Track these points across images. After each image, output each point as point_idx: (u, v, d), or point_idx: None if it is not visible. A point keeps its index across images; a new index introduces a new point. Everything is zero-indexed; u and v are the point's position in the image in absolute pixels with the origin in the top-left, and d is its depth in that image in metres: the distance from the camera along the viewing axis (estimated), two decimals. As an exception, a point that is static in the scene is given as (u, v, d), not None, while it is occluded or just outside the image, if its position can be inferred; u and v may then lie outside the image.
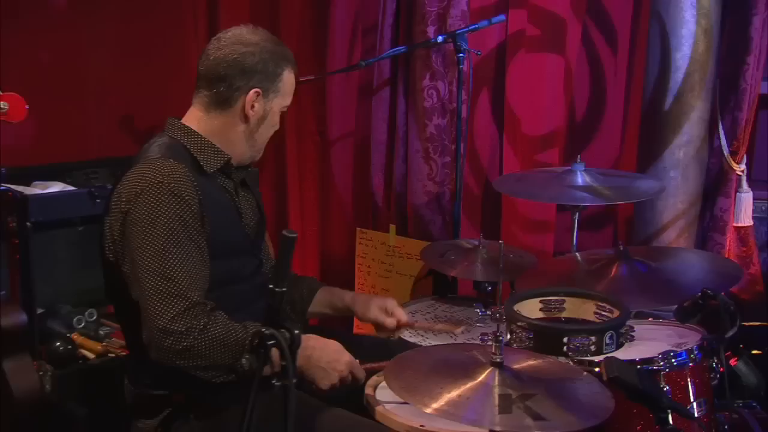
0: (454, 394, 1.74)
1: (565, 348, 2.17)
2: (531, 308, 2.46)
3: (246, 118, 2.35)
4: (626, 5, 3.91)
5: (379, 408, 2.06)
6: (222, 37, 2.36)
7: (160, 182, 2.18)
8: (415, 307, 3.01)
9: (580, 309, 2.49)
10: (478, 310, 2.80)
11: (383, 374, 2.10)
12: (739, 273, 2.70)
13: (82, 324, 3.33)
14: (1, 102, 2.75)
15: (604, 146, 4.00)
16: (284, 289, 1.72)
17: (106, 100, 4.11)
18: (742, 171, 3.52)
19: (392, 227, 3.83)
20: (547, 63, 3.83)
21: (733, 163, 3.52)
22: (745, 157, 3.57)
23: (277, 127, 2.48)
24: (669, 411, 1.75)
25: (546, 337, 2.23)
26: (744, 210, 3.56)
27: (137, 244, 2.16)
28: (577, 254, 2.91)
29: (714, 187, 3.73)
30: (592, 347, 2.18)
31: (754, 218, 3.61)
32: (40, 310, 3.23)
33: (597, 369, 2.05)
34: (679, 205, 3.62)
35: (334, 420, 2.12)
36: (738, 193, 3.56)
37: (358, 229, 3.97)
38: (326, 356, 2.05)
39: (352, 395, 2.07)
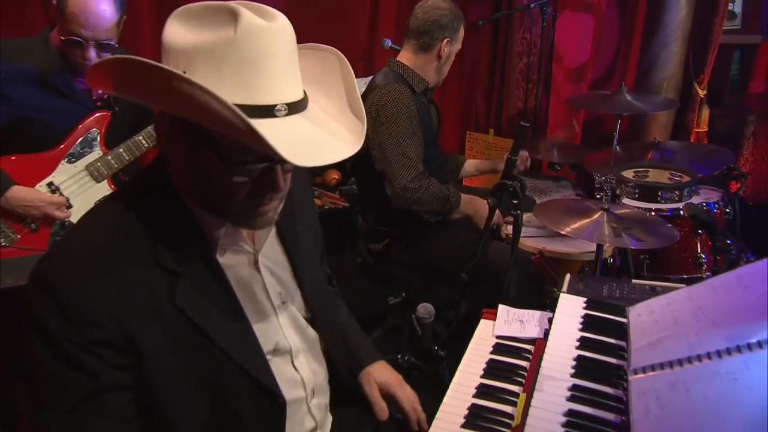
0: (578, 224, 2.42)
1: (658, 198, 2.89)
2: (628, 174, 3.20)
3: (439, 58, 2.95)
4: None
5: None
6: (424, 4, 2.92)
7: (396, 98, 2.80)
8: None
9: (659, 176, 3.21)
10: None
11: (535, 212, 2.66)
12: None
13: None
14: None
15: (618, 75, 4.88)
16: (515, 157, 2.26)
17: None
18: (704, 95, 4.55)
19: (491, 130, 4.42)
20: (583, 19, 4.67)
21: (698, 88, 4.55)
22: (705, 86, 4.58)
23: (451, 63, 3.07)
24: (722, 235, 2.59)
25: (647, 190, 2.94)
26: (703, 119, 4.62)
27: (384, 135, 2.77)
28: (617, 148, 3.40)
29: (684, 105, 4.68)
30: (675, 197, 2.88)
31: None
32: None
33: (681, 211, 2.84)
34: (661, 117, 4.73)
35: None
36: (700, 108, 4.58)
37: (468, 132, 4.52)
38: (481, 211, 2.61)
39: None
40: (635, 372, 1.34)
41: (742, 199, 4.33)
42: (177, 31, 1.14)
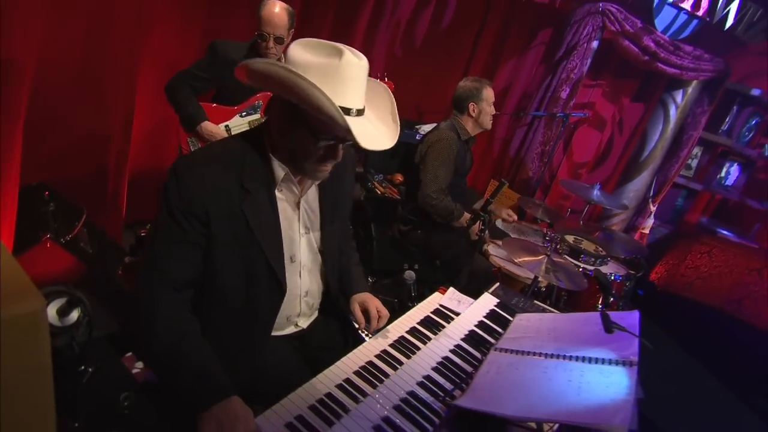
0: (528, 259, 2.48)
1: (580, 258, 2.84)
2: (569, 238, 3.05)
3: (471, 116, 2.84)
4: (637, 113, 4.63)
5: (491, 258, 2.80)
6: (461, 83, 2.87)
7: (445, 139, 2.76)
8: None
9: (589, 246, 3.01)
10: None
11: (503, 243, 2.68)
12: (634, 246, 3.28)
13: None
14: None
15: (607, 173, 4.78)
16: (492, 199, 2.21)
17: (417, 94, 4.08)
18: (654, 208, 4.40)
19: (507, 183, 4.37)
20: (593, 134, 4.62)
21: (651, 205, 4.39)
22: (656, 205, 4.43)
23: (491, 115, 2.87)
24: (610, 296, 2.46)
25: (575, 252, 2.87)
26: (648, 226, 4.43)
27: (430, 159, 2.75)
28: (582, 220, 3.42)
29: (638, 212, 4.63)
30: (591, 262, 2.83)
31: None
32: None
33: (590, 272, 2.77)
34: (623, 215, 4.64)
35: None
36: (648, 218, 4.43)
37: (492, 180, 4.53)
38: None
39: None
40: (495, 349, 1.36)
41: (649, 283, 4.20)
42: (299, 52, 1.20)
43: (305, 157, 1.27)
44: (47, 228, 2.04)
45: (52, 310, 1.05)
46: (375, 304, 1.55)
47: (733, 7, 3.83)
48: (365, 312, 1.54)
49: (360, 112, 1.23)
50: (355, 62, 1.18)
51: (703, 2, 3.80)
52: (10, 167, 1.98)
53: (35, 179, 2.28)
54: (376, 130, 1.30)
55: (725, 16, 3.87)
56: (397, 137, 1.32)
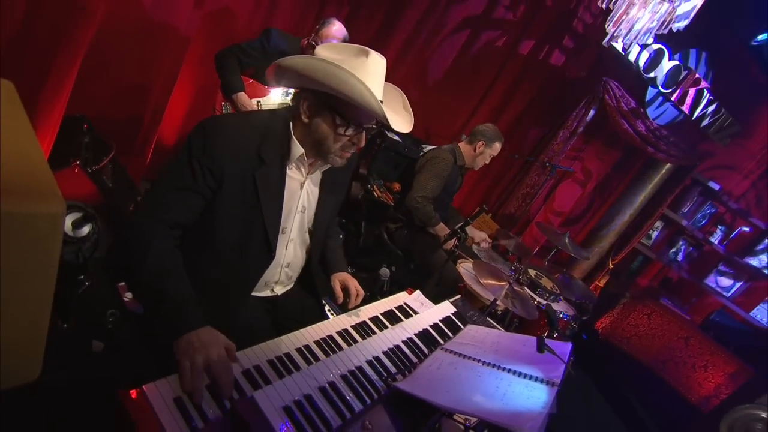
0: (491, 282, 2.48)
1: (537, 291, 2.83)
2: (531, 272, 3.12)
3: (474, 151, 2.89)
4: (617, 179, 4.68)
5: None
6: (489, 124, 2.92)
7: (442, 158, 2.81)
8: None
9: (547, 282, 3.07)
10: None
11: (474, 263, 2.58)
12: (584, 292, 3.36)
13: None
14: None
15: (579, 225, 4.86)
16: (471, 221, 2.27)
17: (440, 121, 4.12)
18: (611, 267, 4.53)
19: (490, 214, 4.34)
20: (574, 188, 4.68)
21: (610, 262, 4.53)
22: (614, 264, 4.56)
23: (486, 161, 2.94)
24: (555, 330, 2.53)
25: (532, 285, 2.85)
26: (604, 279, 4.51)
27: (424, 170, 2.80)
28: (547, 263, 3.51)
29: (598, 266, 4.76)
30: (545, 297, 2.85)
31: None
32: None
33: (543, 305, 2.78)
34: (584, 265, 4.75)
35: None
36: (605, 273, 4.55)
37: (479, 206, 4.47)
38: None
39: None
40: (442, 348, 1.36)
41: (594, 330, 4.24)
42: (328, 53, 1.23)
43: (332, 142, 1.28)
44: (78, 156, 2.04)
45: (68, 221, 1.05)
46: (354, 283, 1.55)
47: (710, 111, 3.97)
48: (345, 290, 1.53)
49: (381, 102, 1.26)
50: (378, 60, 1.24)
51: (687, 98, 3.91)
52: (61, 95, 2.00)
53: (79, 111, 2.28)
54: (396, 116, 1.34)
55: (702, 116, 4.01)
56: (412, 122, 1.36)
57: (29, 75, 1.94)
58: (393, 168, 4.07)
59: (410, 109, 1.37)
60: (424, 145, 3.90)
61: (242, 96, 2.59)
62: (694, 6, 2.50)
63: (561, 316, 2.76)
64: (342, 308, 1.57)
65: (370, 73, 1.22)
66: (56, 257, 0.69)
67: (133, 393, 0.89)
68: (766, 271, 4.06)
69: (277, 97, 2.75)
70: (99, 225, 1.10)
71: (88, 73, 2.32)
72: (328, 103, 1.23)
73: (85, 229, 1.07)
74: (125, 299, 1.36)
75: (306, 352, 1.23)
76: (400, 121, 1.33)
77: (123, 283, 1.42)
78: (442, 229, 2.81)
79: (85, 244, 1.06)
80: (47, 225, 0.63)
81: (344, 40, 2.61)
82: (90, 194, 1.94)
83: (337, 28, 2.56)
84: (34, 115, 1.94)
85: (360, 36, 3.33)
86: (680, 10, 2.46)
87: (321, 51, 1.24)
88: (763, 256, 4.06)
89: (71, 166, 1.97)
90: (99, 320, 1.12)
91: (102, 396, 1.18)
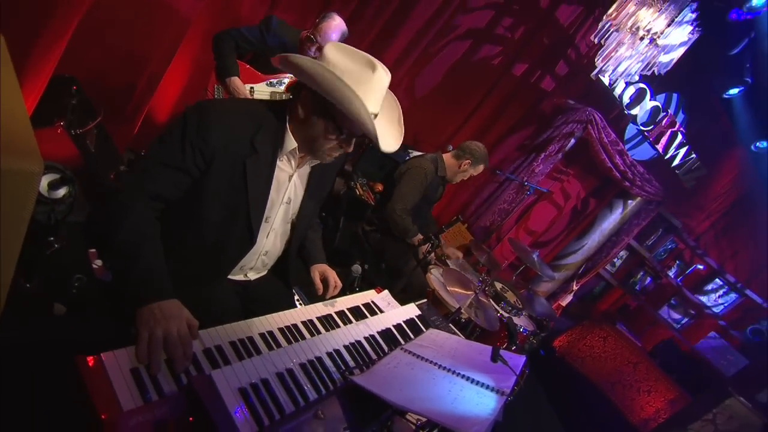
0: (458, 290, 2.47)
1: (500, 304, 2.88)
2: (497, 285, 3.14)
3: (459, 167, 2.88)
4: (590, 205, 4.77)
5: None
6: (479, 144, 2.90)
7: (423, 168, 2.78)
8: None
9: (511, 296, 3.11)
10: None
11: (444, 270, 2.68)
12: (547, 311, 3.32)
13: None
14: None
15: (549, 246, 4.93)
16: (446, 229, 2.38)
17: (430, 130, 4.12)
18: (576, 288, 4.58)
19: (466, 225, 4.09)
20: (550, 210, 4.75)
21: (575, 283, 4.57)
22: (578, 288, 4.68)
23: (465, 178, 2.96)
24: (513, 343, 2.55)
25: (496, 296, 2.90)
26: (566, 301, 4.55)
27: (404, 180, 2.76)
28: (514, 277, 3.55)
29: (562, 288, 4.84)
30: (507, 310, 2.89)
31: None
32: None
33: (505, 318, 2.76)
34: (550, 284, 4.84)
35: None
36: (569, 294, 4.58)
37: (458, 216, 4.22)
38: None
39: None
40: (402, 348, 1.35)
41: (552, 347, 4.32)
42: (337, 55, 1.21)
43: (324, 142, 1.28)
44: (63, 117, 1.99)
45: (44, 181, 1.03)
46: (333, 275, 1.58)
47: (681, 153, 4.12)
48: (324, 280, 1.55)
49: (376, 116, 1.27)
50: (383, 77, 1.23)
51: (663, 139, 4.04)
52: (52, 54, 1.94)
53: (70, 71, 2.22)
54: (387, 132, 1.34)
55: (674, 156, 4.15)
56: (401, 140, 1.37)
57: (21, 29, 1.87)
58: (378, 168, 4.07)
59: (402, 124, 1.38)
60: (410, 150, 3.92)
61: (236, 80, 2.55)
62: (672, 59, 2.62)
63: (521, 330, 2.79)
64: (311, 299, 1.57)
65: (373, 89, 1.21)
66: (28, 215, 0.68)
67: (90, 360, 0.88)
68: (712, 310, 4.21)
69: (270, 87, 2.73)
70: (76, 189, 1.07)
71: (84, 34, 2.25)
72: (326, 108, 1.22)
73: (61, 192, 1.04)
74: (94, 266, 1.32)
75: (269, 337, 1.22)
76: (389, 138, 1.33)
77: (93, 250, 1.37)
78: (418, 240, 2.81)
79: (59, 206, 1.04)
80: (23, 182, 0.62)
81: (343, 36, 2.58)
82: (71, 157, 1.89)
83: (336, 23, 2.54)
84: (23, 69, 1.88)
85: (361, 36, 3.32)
86: (664, 58, 2.56)
87: (330, 51, 1.22)
88: (712, 295, 4.22)
89: (54, 126, 1.92)
90: (64, 284, 1.09)
91: (58, 360, 1.18)
